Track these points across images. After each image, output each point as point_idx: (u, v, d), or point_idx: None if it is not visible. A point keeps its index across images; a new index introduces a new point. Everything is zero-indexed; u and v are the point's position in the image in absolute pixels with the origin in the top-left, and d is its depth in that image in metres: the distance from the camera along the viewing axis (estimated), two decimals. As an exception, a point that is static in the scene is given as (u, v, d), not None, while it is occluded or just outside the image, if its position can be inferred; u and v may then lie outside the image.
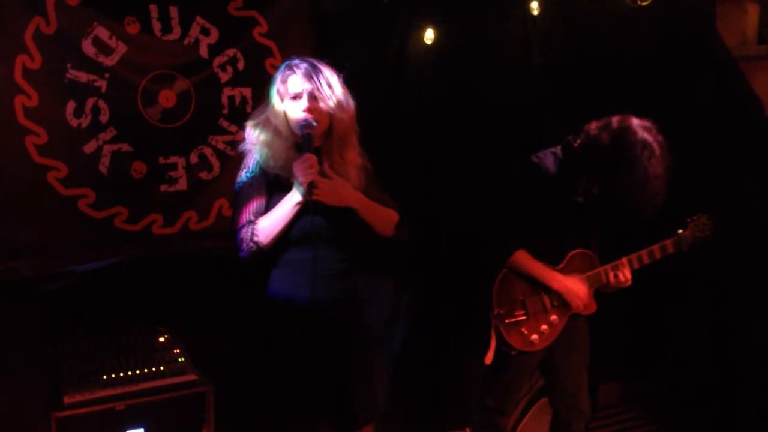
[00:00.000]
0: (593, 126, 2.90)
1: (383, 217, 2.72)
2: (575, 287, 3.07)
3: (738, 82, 4.14)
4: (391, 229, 2.74)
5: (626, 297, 4.23)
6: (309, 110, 2.54)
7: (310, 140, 2.53)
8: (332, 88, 2.59)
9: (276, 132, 2.59)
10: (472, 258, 3.18)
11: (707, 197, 4.11)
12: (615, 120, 2.85)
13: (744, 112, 4.13)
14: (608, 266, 3.16)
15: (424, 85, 3.93)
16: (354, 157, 2.69)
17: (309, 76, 2.56)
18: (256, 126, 2.63)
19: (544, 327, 3.09)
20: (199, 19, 3.46)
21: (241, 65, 3.55)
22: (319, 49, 3.70)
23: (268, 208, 2.59)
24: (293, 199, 2.53)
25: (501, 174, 3.16)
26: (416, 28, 3.85)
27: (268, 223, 2.53)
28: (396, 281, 3.27)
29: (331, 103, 2.58)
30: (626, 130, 2.80)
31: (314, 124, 2.54)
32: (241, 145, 2.67)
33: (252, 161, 2.63)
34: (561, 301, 3.10)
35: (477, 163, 3.85)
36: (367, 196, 2.66)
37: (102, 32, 3.27)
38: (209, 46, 3.50)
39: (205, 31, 3.49)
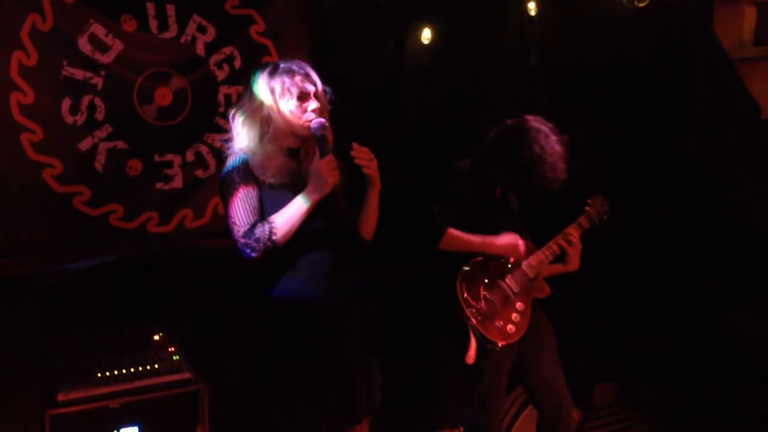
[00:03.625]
0: (493, 129, 3.28)
1: (375, 218, 2.74)
2: (509, 239, 3.21)
3: (735, 85, 4.14)
4: (372, 233, 2.76)
5: (622, 297, 4.28)
6: (317, 110, 2.57)
7: (325, 141, 2.53)
8: (321, 86, 2.64)
9: (273, 137, 2.56)
10: (413, 247, 3.33)
11: (704, 199, 4.12)
12: (510, 120, 3.23)
13: (741, 114, 4.14)
14: (544, 249, 3.30)
15: (421, 85, 3.93)
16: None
17: (308, 77, 2.59)
18: (251, 127, 2.57)
19: (515, 315, 3.18)
20: (195, 17, 3.46)
21: (237, 63, 3.56)
22: (316, 48, 3.70)
23: (263, 208, 2.56)
24: (311, 198, 2.50)
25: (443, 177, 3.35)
26: (413, 28, 3.85)
27: (286, 221, 2.49)
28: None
29: (324, 101, 2.64)
30: (521, 122, 3.18)
31: (327, 125, 2.56)
32: (230, 145, 2.62)
33: (239, 159, 2.58)
34: (519, 285, 3.22)
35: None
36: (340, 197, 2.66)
37: (98, 29, 3.27)
38: (206, 44, 3.50)
39: (202, 29, 3.49)
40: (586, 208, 3.42)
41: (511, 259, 3.26)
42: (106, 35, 3.29)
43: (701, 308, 4.19)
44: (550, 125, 3.16)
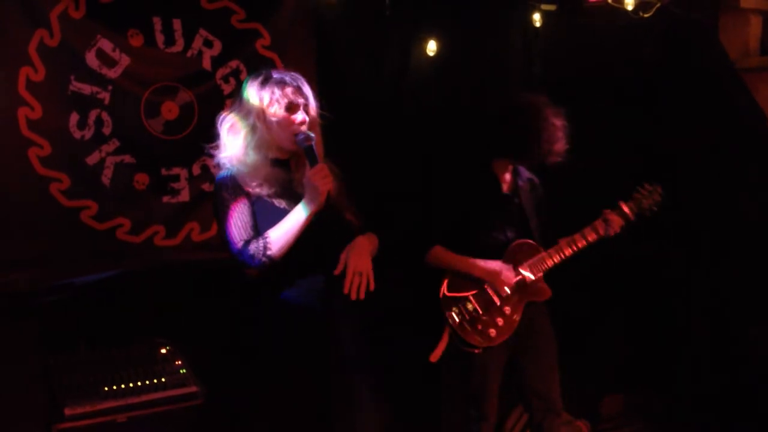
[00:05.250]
0: (482, 115, 3.31)
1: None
2: (495, 268, 3.16)
3: (741, 94, 4.14)
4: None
5: (630, 307, 4.27)
6: (304, 123, 2.54)
7: (313, 151, 2.50)
8: (313, 99, 2.61)
9: (258, 146, 2.54)
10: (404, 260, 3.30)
11: (711, 208, 4.11)
12: (497, 101, 3.29)
13: (747, 123, 4.13)
14: (550, 250, 3.24)
15: (425, 97, 3.94)
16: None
17: (300, 90, 2.57)
18: (237, 135, 2.56)
19: (499, 320, 3.15)
20: (202, 31, 3.48)
21: (243, 77, 3.55)
22: (321, 61, 3.72)
23: (257, 220, 2.54)
24: (307, 209, 2.47)
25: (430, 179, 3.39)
26: (418, 41, 3.86)
27: (281, 236, 2.46)
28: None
29: (314, 115, 2.61)
30: (510, 101, 3.21)
31: (312, 135, 2.53)
32: (217, 158, 2.60)
33: (227, 175, 2.56)
34: (510, 289, 3.18)
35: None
36: (338, 204, 2.63)
37: (105, 44, 3.29)
38: (212, 58, 3.52)
39: (208, 44, 3.51)
40: (621, 204, 3.30)
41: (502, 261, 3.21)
42: (113, 50, 3.31)
43: (710, 319, 4.18)
44: (542, 97, 3.17)
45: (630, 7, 4.04)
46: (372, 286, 2.51)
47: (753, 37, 4.34)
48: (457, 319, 3.11)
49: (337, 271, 2.51)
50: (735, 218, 4.06)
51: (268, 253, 2.45)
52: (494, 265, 3.16)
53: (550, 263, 3.22)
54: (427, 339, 3.87)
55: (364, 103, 3.74)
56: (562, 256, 3.23)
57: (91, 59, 3.27)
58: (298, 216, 2.47)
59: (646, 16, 4.09)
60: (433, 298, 3.15)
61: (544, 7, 4.10)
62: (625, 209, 3.29)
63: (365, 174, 3.73)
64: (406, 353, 3.85)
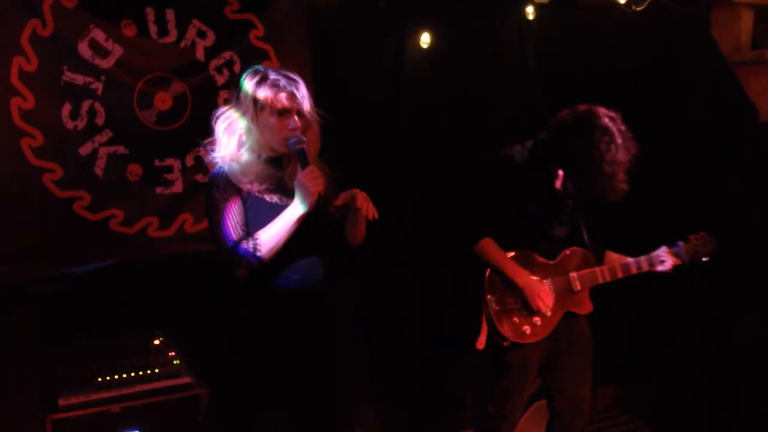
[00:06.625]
0: (563, 111, 3.01)
1: (364, 231, 2.72)
2: (537, 289, 3.03)
3: (732, 88, 4.16)
4: (361, 241, 2.74)
5: (624, 301, 4.28)
6: (296, 129, 2.53)
7: (304, 154, 2.52)
8: (308, 102, 2.60)
9: (251, 147, 2.56)
10: (446, 248, 3.22)
11: (703, 202, 4.13)
12: (582, 106, 2.96)
13: (738, 117, 4.15)
14: (604, 268, 3.16)
15: (420, 90, 3.94)
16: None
17: (294, 94, 2.55)
18: (232, 135, 2.57)
19: (537, 319, 3.05)
20: (195, 22, 3.47)
21: (237, 68, 3.56)
22: (316, 52, 3.71)
23: (248, 217, 2.55)
24: (297, 211, 2.48)
25: (472, 166, 3.25)
26: (412, 33, 3.86)
27: (271, 237, 2.46)
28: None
29: (309, 117, 2.61)
30: (591, 114, 2.90)
31: (304, 139, 2.54)
32: (210, 156, 2.62)
33: (219, 173, 2.58)
34: (555, 291, 3.09)
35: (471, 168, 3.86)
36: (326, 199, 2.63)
37: (98, 34, 3.27)
38: (205, 48, 3.51)
39: (202, 34, 3.50)
40: (679, 242, 3.23)
41: (554, 262, 3.13)
42: (106, 40, 3.29)
43: (702, 312, 4.20)
44: (622, 128, 2.90)
45: (622, 0, 4.06)
46: (377, 215, 2.55)
47: (744, 32, 4.38)
48: (495, 306, 3.00)
49: (338, 203, 2.55)
50: (728, 212, 4.08)
51: (258, 254, 2.45)
52: (538, 284, 3.04)
53: (600, 280, 3.15)
54: (428, 338, 3.92)
55: (360, 95, 3.74)
56: (613, 277, 3.15)
57: (84, 49, 3.25)
58: (288, 218, 2.48)
59: (638, 9, 4.11)
60: (474, 283, 3.06)
61: (537, -1, 4.11)
62: (683, 252, 3.22)
63: (366, 168, 3.75)
64: (410, 351, 3.88)
